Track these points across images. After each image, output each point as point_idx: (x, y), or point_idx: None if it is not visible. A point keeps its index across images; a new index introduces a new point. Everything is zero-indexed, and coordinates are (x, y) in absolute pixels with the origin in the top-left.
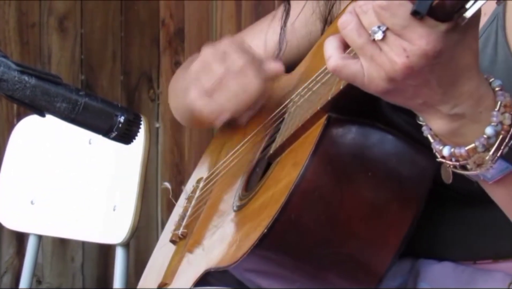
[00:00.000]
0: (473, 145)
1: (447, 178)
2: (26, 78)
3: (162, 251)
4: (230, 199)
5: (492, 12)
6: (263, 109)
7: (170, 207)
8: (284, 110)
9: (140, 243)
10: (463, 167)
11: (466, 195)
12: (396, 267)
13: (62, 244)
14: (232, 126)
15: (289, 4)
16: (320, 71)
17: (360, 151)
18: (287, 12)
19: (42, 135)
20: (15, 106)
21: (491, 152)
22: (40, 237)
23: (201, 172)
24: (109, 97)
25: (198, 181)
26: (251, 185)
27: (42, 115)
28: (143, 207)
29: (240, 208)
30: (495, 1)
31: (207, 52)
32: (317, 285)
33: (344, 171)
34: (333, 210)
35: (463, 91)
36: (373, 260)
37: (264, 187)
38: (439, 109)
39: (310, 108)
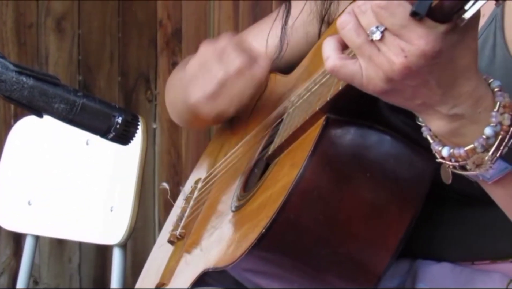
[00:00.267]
0: (472, 145)
1: (447, 179)
2: (24, 78)
3: (160, 251)
4: (228, 199)
5: (491, 13)
6: (262, 110)
7: (167, 207)
8: (283, 111)
9: (137, 244)
10: (463, 168)
11: (464, 196)
12: (394, 268)
13: (59, 244)
14: (231, 127)
15: (289, 3)
16: (319, 72)
17: (358, 152)
18: (287, 12)
19: (40, 136)
20: (12, 106)
21: (490, 153)
22: (37, 238)
23: (199, 173)
24: (107, 98)
25: (197, 182)
26: (249, 186)
27: (40, 116)
28: (140, 208)
29: (238, 209)
30: (494, 3)
31: (205, 51)
32: (316, 285)
33: (343, 171)
34: (332, 211)
35: (462, 92)
36: (372, 260)
37: (263, 187)
38: (438, 109)
39: (309, 109)
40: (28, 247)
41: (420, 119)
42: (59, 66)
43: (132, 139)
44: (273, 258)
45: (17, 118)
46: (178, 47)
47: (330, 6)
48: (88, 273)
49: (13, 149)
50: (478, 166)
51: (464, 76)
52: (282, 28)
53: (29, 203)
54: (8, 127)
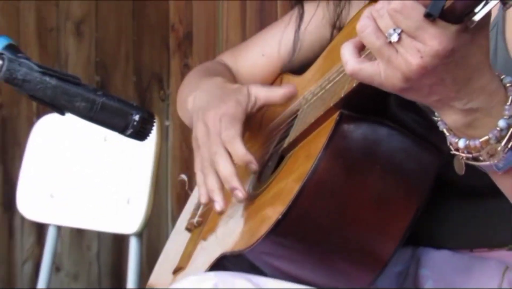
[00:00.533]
0: (486, 137)
1: (460, 170)
2: (47, 79)
3: (178, 238)
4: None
5: (493, 19)
6: (276, 108)
7: (179, 199)
8: (297, 108)
9: (151, 233)
10: (475, 159)
11: (465, 189)
12: (399, 254)
13: (79, 234)
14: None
15: (302, 8)
16: (333, 71)
17: (369, 145)
18: (301, 16)
19: (61, 133)
20: (34, 105)
21: (503, 143)
22: (59, 228)
23: None
24: (122, 97)
25: None
26: (263, 177)
27: (62, 113)
28: (154, 200)
29: (254, 198)
30: (497, 8)
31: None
32: (326, 268)
33: (354, 164)
34: (343, 200)
35: (476, 87)
36: (379, 247)
37: (278, 178)
38: (453, 105)
39: (323, 105)
40: (50, 236)
41: (436, 114)
42: (78, 67)
43: (149, 136)
44: (287, 243)
45: (39, 115)
46: (189, 49)
47: (342, 11)
48: (106, 261)
49: (36, 145)
50: (492, 156)
51: (477, 72)
52: (295, 32)
53: (51, 196)
54: (31, 125)
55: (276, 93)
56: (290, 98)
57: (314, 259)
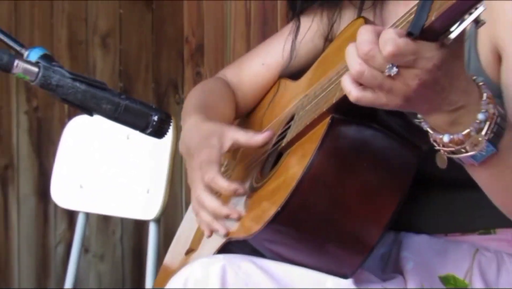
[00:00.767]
0: (468, 130)
1: (443, 164)
2: (78, 84)
3: (190, 223)
4: (247, 182)
5: (467, 32)
6: (274, 110)
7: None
8: (294, 111)
9: (168, 219)
10: (457, 152)
11: (441, 181)
12: (382, 238)
13: (105, 220)
14: (247, 124)
15: (299, 21)
16: (326, 80)
17: (357, 145)
18: (297, 28)
19: (89, 132)
20: (66, 107)
21: (483, 133)
22: (87, 215)
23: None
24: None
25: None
26: (264, 172)
27: (91, 114)
28: (171, 190)
29: (256, 190)
30: (472, 25)
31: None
32: (320, 253)
33: (345, 161)
34: (335, 193)
35: (458, 90)
36: (367, 233)
37: (277, 173)
38: (442, 108)
39: (317, 110)
40: (80, 222)
41: (418, 116)
42: (104, 75)
43: (166, 134)
44: (286, 231)
45: (70, 117)
46: (201, 59)
47: (333, 26)
48: (128, 244)
49: (68, 143)
50: (475, 145)
51: (459, 78)
52: (292, 42)
53: (81, 186)
54: (63, 125)
55: (255, 141)
56: (269, 142)
57: (310, 245)
